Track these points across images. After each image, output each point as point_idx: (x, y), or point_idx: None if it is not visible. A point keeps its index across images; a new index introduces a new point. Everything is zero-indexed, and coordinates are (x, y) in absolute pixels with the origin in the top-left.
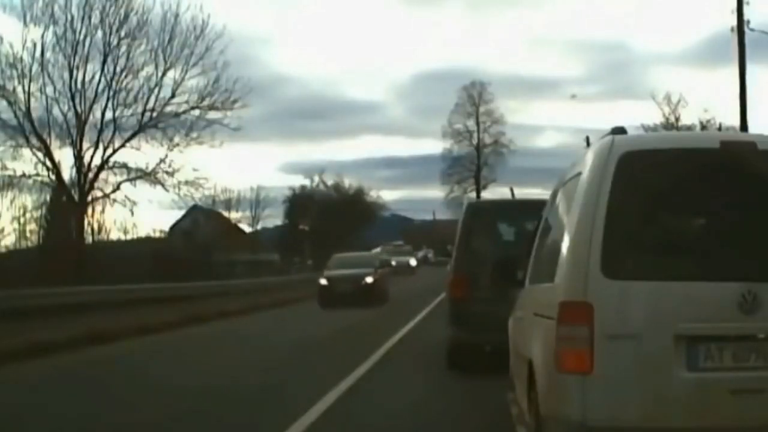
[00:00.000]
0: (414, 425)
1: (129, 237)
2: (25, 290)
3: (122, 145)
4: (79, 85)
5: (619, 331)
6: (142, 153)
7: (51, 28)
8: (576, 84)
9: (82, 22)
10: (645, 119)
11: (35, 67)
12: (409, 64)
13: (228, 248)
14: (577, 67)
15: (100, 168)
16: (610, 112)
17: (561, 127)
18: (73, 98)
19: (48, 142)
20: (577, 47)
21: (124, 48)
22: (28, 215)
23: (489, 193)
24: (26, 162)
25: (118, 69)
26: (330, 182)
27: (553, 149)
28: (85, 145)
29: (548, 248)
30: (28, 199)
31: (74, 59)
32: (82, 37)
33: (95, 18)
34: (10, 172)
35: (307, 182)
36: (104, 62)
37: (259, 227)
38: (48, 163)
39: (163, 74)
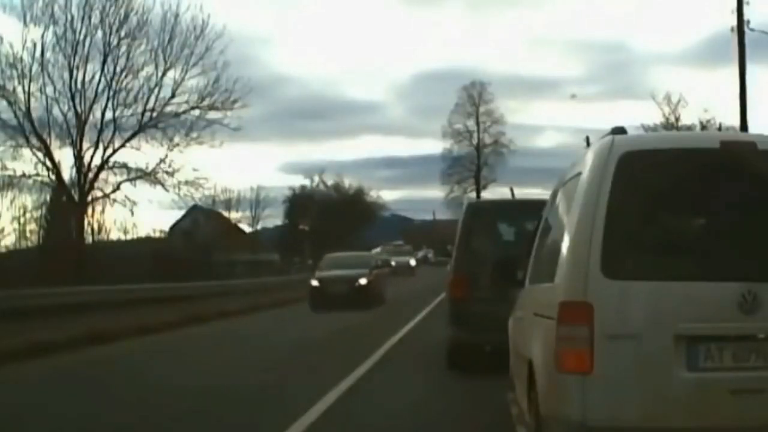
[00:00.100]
0: (414, 425)
1: (129, 237)
2: (25, 290)
3: (122, 145)
4: (79, 85)
5: (619, 331)
6: (142, 153)
7: (51, 28)
8: (576, 84)
9: (82, 22)
10: (645, 119)
11: (35, 67)
12: (409, 64)
13: (228, 248)
14: (577, 67)
15: (100, 168)
16: (610, 112)
17: (561, 127)
18: (73, 98)
19: (48, 142)
20: (577, 47)
21: (124, 48)
22: (28, 215)
23: (489, 193)
24: (26, 162)
25: (118, 69)
26: (330, 182)
27: (553, 149)
28: (85, 145)
29: (548, 248)
30: (28, 199)
31: (74, 59)
32: (82, 37)
33: (95, 18)
34: (10, 172)
35: (307, 182)
36: (104, 62)
37: (259, 227)
38: (48, 163)
39: (163, 74)
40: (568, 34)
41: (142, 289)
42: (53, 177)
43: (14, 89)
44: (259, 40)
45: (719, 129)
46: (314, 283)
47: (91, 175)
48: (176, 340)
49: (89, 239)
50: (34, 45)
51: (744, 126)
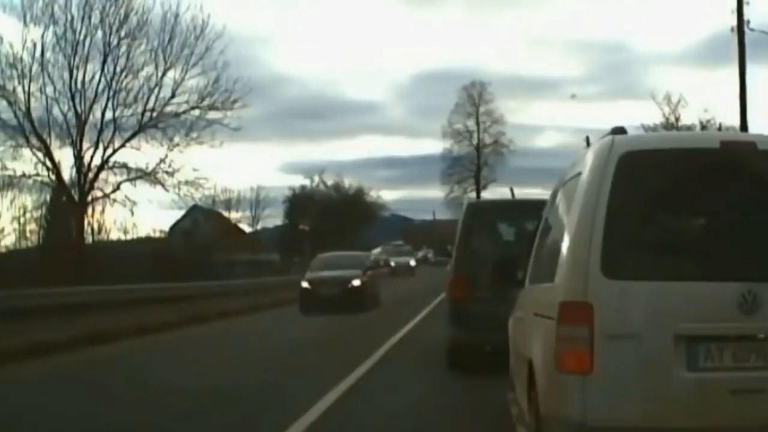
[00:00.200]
0: (414, 425)
1: (129, 237)
2: (25, 290)
3: (122, 145)
4: (79, 85)
5: (619, 331)
6: (142, 153)
7: (51, 28)
8: (576, 84)
9: (82, 22)
10: (645, 119)
11: (35, 67)
12: (409, 64)
13: (228, 248)
14: (577, 67)
15: (100, 168)
16: (610, 112)
17: (561, 127)
18: (73, 98)
19: (48, 142)
20: (577, 47)
21: (124, 48)
22: (28, 215)
23: (489, 193)
24: (26, 162)
25: (118, 69)
26: (330, 182)
27: (553, 149)
28: (85, 145)
29: (548, 248)
30: (28, 199)
31: (74, 59)
32: (82, 37)
33: (95, 18)
34: (10, 172)
35: (307, 182)
36: (104, 62)
37: (259, 227)
38: (48, 163)
39: (163, 74)
40: (568, 34)
41: (142, 289)
42: (53, 177)
43: (14, 89)
44: (259, 40)
45: (719, 129)
46: (304, 284)
47: (91, 175)
48: (176, 340)
49: (89, 239)
50: (34, 45)
51: (744, 126)
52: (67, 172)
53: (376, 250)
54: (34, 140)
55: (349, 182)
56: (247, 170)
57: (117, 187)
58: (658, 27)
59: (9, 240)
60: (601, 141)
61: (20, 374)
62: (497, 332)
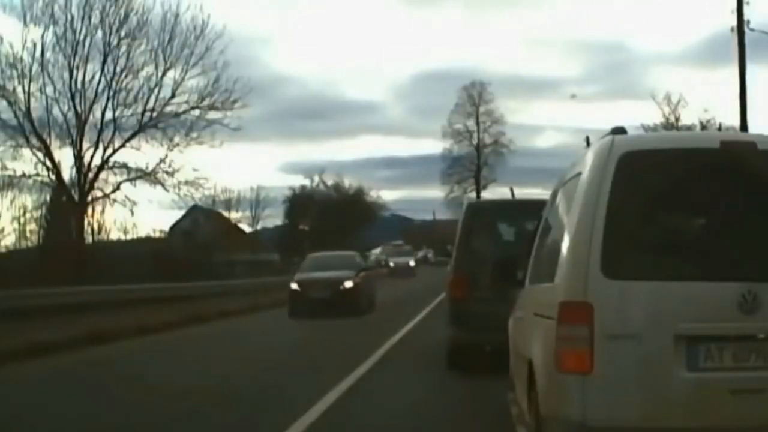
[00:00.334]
0: (414, 425)
1: (129, 237)
2: (25, 290)
3: (122, 145)
4: (79, 85)
5: (619, 331)
6: (142, 153)
7: (51, 28)
8: (576, 84)
9: (82, 22)
10: (645, 119)
11: (35, 67)
12: (409, 64)
13: (228, 248)
14: (577, 67)
15: (100, 168)
16: (610, 112)
17: (561, 127)
18: (73, 98)
19: (48, 142)
20: (577, 47)
21: (124, 48)
22: (28, 215)
23: (489, 193)
24: (26, 162)
25: (118, 69)
26: (330, 182)
27: (553, 149)
28: (85, 145)
29: (548, 248)
30: (28, 199)
31: (74, 59)
32: (82, 37)
33: (95, 18)
34: (10, 172)
35: (307, 182)
36: (104, 62)
37: (259, 227)
38: (48, 163)
39: (163, 74)
40: (568, 34)
41: (142, 289)
42: (53, 177)
43: (14, 89)
44: (259, 40)
45: (719, 129)
46: (293, 286)
47: (91, 175)
48: (176, 340)
49: (89, 239)
50: (34, 45)
51: (744, 126)
52: (67, 172)
53: (376, 250)
54: (34, 140)
55: (349, 182)
56: (247, 170)
57: (117, 187)
58: (658, 27)
59: (9, 240)
60: (601, 141)
61: (20, 374)
62: (497, 332)
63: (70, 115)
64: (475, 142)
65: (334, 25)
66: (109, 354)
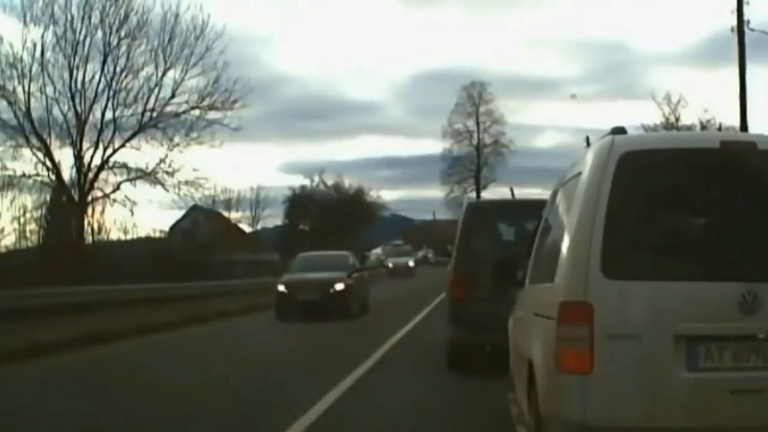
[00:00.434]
0: (414, 425)
1: (129, 237)
2: (25, 290)
3: (122, 145)
4: (79, 85)
5: (619, 331)
6: (142, 153)
7: (51, 28)
8: (576, 84)
9: (82, 22)
10: (645, 119)
11: (35, 67)
12: (409, 64)
13: (228, 248)
14: (576, 67)
15: (100, 168)
16: (610, 112)
17: (561, 127)
18: (73, 98)
19: (48, 142)
20: (577, 47)
21: (124, 48)
22: (28, 215)
23: (489, 193)
24: (26, 162)
25: (118, 69)
26: (330, 182)
27: (553, 149)
28: (85, 145)
29: (548, 248)
30: (28, 199)
31: (74, 59)
32: (82, 37)
33: (95, 18)
34: (10, 172)
35: (307, 182)
36: (104, 62)
37: (259, 227)
38: (48, 163)
39: (163, 74)
40: (568, 34)
41: (142, 289)
42: (53, 177)
43: (14, 89)
44: (259, 40)
45: (719, 129)
46: (281, 288)
47: (91, 175)
48: (176, 340)
49: (89, 239)
50: (34, 45)
51: (744, 126)
52: (67, 172)
53: (376, 250)
54: (34, 140)
55: (349, 182)
56: (247, 170)
57: (117, 187)
58: (658, 27)
59: (9, 240)
60: (601, 141)
61: (20, 374)
62: (497, 332)
63: (70, 115)
64: (475, 142)
65: (334, 25)
66: (109, 354)
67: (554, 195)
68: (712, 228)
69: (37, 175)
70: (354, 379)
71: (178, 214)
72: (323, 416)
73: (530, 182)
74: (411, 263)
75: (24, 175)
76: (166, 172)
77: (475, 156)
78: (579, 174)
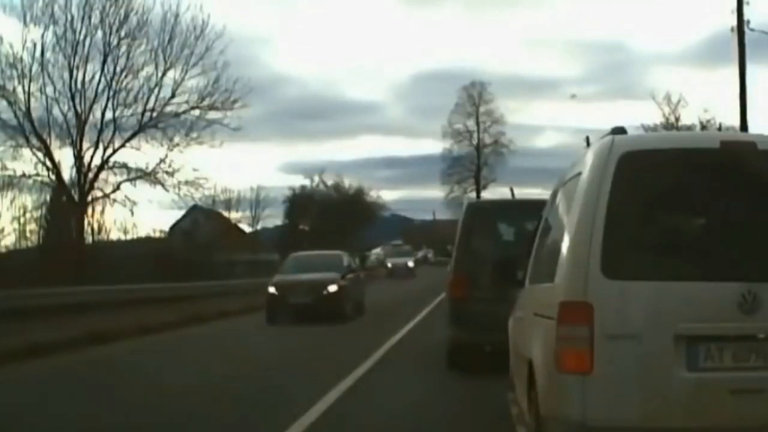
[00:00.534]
0: (414, 425)
1: (129, 237)
2: (25, 290)
3: (122, 145)
4: (79, 85)
5: (619, 331)
6: (142, 153)
7: (51, 28)
8: (576, 84)
9: (82, 22)
10: (645, 119)
11: (35, 67)
12: (409, 64)
13: (228, 248)
14: (576, 67)
15: (100, 168)
16: (610, 112)
17: (561, 127)
18: (73, 98)
19: (48, 142)
20: (577, 47)
21: (124, 48)
22: (28, 215)
23: (489, 193)
24: (26, 162)
25: (118, 69)
26: (330, 182)
27: (553, 149)
28: (85, 145)
29: (548, 248)
30: (28, 199)
31: (74, 59)
32: (82, 37)
33: (95, 18)
34: (10, 172)
35: (307, 182)
36: (104, 62)
37: (259, 227)
38: (48, 163)
39: (163, 74)
40: (568, 34)
41: (142, 289)
42: (53, 177)
43: (14, 89)
44: (259, 40)
45: (719, 129)
46: (271, 290)
47: (91, 175)
48: (176, 340)
49: (89, 239)
50: (34, 45)
51: (744, 126)
52: (67, 172)
53: (376, 250)
54: (34, 140)
55: (349, 182)
56: (247, 170)
57: (117, 187)
58: (658, 27)
59: (9, 240)
60: (601, 141)
61: (20, 374)
62: (497, 332)
63: (70, 115)
64: (475, 142)
65: (334, 25)
66: (109, 354)
67: (554, 195)
68: (712, 228)
69: (37, 175)
70: (354, 379)
71: (178, 214)
72: (323, 416)
73: (530, 182)
74: (410, 264)
75: (24, 175)
76: (166, 172)
77: (475, 156)
78: (579, 174)
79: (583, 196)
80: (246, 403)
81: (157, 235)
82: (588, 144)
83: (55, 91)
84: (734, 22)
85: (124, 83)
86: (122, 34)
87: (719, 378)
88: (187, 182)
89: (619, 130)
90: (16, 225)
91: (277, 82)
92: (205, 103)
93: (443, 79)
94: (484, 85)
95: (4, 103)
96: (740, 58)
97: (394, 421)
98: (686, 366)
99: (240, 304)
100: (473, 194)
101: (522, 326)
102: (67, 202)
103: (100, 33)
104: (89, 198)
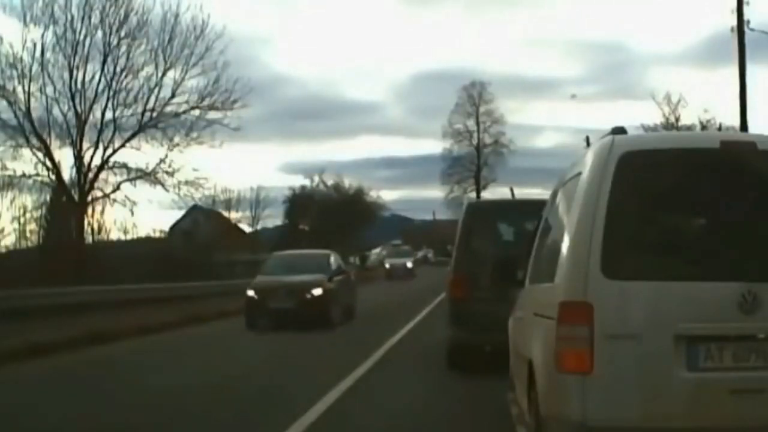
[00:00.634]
0: (414, 425)
1: (129, 237)
2: (25, 290)
3: (122, 145)
4: (79, 85)
5: (619, 331)
6: (142, 153)
7: (51, 28)
8: (575, 84)
9: (82, 22)
10: (645, 119)
11: (35, 67)
12: (409, 64)
13: (228, 248)
14: (576, 67)
15: (100, 168)
16: (610, 112)
17: (561, 127)
18: (73, 98)
19: (48, 142)
20: (577, 47)
21: (124, 48)
22: (28, 215)
23: (489, 193)
24: (26, 162)
25: (118, 69)
26: (330, 182)
27: (553, 149)
28: (85, 145)
29: (548, 248)
30: (28, 199)
31: (74, 59)
32: (82, 37)
33: (95, 18)
34: (10, 172)
35: (307, 182)
36: (104, 62)
37: (259, 227)
38: (48, 163)
39: (163, 74)
40: (568, 34)
41: (142, 289)
42: (53, 177)
43: (14, 89)
44: (259, 40)
45: (719, 129)
46: (250, 293)
47: (91, 175)
48: (176, 340)
49: (89, 239)
50: (34, 45)
51: (744, 126)
52: (67, 172)
53: (376, 250)
54: (34, 140)
55: (349, 182)
56: (247, 170)
57: (117, 187)
58: (658, 27)
59: (9, 240)
60: (601, 141)
61: (20, 374)
62: (497, 332)
63: (70, 115)
64: (475, 142)
65: (334, 25)
66: (109, 354)
67: (554, 195)
68: (712, 228)
69: (37, 175)
70: (354, 379)
71: (178, 214)
72: (323, 416)
73: (530, 182)
74: (409, 264)
75: (24, 175)
76: (166, 172)
77: (475, 156)
78: (579, 174)
79: (583, 196)
80: (246, 403)
81: (157, 235)
82: (588, 144)
83: (55, 91)
84: (734, 22)
85: (124, 83)
86: (122, 34)
87: (719, 378)
88: (187, 182)
89: (619, 130)
90: (16, 225)
91: (277, 82)
92: (205, 103)
93: (443, 79)
94: (484, 85)
95: (4, 103)
96: (740, 58)
97: (394, 421)
98: (686, 366)
99: (240, 304)
100: (473, 194)
101: (522, 326)
102: (67, 202)
103: (100, 33)
104: (89, 198)
